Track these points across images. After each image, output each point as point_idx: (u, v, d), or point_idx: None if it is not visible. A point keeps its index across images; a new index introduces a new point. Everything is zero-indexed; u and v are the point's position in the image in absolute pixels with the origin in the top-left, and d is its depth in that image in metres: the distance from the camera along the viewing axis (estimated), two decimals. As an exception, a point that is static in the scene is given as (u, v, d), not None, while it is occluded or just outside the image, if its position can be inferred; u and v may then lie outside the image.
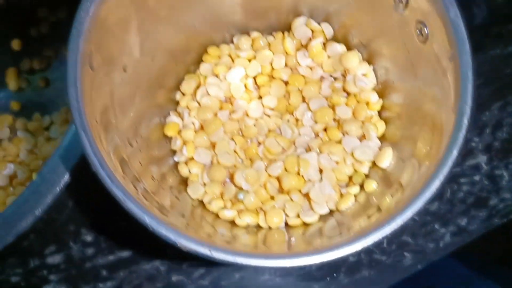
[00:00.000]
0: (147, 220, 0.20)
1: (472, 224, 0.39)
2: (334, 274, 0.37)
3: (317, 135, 0.33)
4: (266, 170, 0.32)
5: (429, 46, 0.25)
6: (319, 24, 0.33)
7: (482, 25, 0.30)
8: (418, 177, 0.23)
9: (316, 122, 0.33)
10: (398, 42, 0.28)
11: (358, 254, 0.38)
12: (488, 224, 0.39)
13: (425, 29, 0.25)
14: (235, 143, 0.33)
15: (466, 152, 0.39)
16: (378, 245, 0.37)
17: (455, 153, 0.21)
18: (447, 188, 0.38)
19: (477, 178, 0.39)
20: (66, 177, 0.26)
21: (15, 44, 0.46)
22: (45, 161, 0.43)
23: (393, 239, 0.38)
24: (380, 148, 0.30)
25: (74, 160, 0.27)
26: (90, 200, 0.37)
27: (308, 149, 0.33)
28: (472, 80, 0.21)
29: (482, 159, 0.39)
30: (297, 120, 0.34)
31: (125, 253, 0.38)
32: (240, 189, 0.31)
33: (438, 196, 0.38)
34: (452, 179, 0.38)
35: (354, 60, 0.31)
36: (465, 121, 0.21)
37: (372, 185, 0.29)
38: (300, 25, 0.33)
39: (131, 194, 0.21)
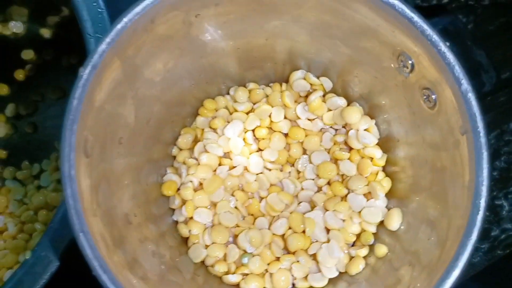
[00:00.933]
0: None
1: (475, 257, 0.38)
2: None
3: (320, 189, 0.32)
4: (269, 229, 0.31)
5: (438, 113, 0.24)
6: (317, 77, 0.32)
7: (491, 91, 0.30)
8: (435, 252, 0.22)
9: (319, 177, 0.32)
10: (403, 103, 0.27)
11: None
12: (490, 256, 0.39)
13: (432, 96, 0.24)
14: (236, 199, 0.32)
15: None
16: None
17: (475, 236, 0.20)
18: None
19: (477, 210, 0.38)
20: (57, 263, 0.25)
21: (2, 90, 0.45)
22: (36, 212, 0.42)
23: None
24: (388, 208, 0.30)
25: (68, 239, 0.26)
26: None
27: (312, 204, 0.32)
28: (488, 159, 0.21)
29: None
30: (298, 172, 0.33)
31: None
32: (244, 251, 0.30)
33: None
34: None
35: (356, 115, 0.30)
36: (483, 204, 0.20)
37: (383, 250, 0.28)
38: (298, 79, 0.32)
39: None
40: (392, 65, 0.26)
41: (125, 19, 0.22)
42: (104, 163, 0.24)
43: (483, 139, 0.21)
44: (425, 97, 0.25)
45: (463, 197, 0.22)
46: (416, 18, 0.22)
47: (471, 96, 0.21)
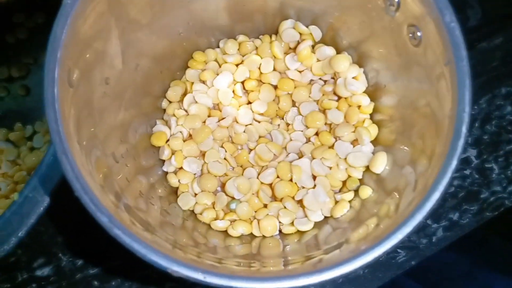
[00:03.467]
0: (135, 247, 0.19)
1: (464, 218, 0.39)
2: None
3: (308, 140, 0.32)
4: (258, 178, 0.31)
5: (423, 50, 0.24)
6: (307, 27, 0.32)
7: (476, 26, 0.30)
8: (417, 186, 0.23)
9: (307, 127, 0.32)
10: (390, 45, 0.27)
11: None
12: (479, 217, 0.39)
13: (418, 32, 0.24)
14: (225, 150, 0.32)
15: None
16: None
17: (454, 163, 0.20)
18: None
19: (467, 172, 0.39)
20: (47, 200, 0.25)
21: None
22: (29, 173, 0.42)
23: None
24: (374, 153, 0.30)
25: (58, 177, 0.26)
26: (77, 212, 0.36)
27: (300, 155, 0.32)
28: (470, 86, 0.21)
29: (471, 153, 0.39)
30: (288, 124, 0.33)
31: (116, 262, 0.37)
32: (232, 198, 0.31)
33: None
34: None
35: (344, 63, 0.30)
36: (464, 130, 0.20)
37: (367, 192, 0.28)
38: (287, 28, 0.32)
39: (118, 220, 0.19)
40: (379, 4, 0.26)
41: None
42: (90, 99, 0.24)
43: (465, 67, 0.21)
44: (410, 35, 0.25)
45: (444, 127, 0.22)
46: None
47: (455, 26, 0.21)
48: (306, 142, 0.32)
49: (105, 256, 0.37)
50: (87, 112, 0.23)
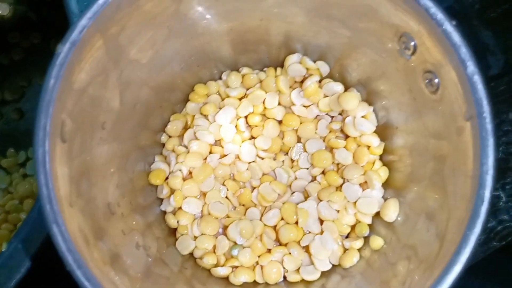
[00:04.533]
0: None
1: (471, 249, 0.37)
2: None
3: (314, 179, 0.31)
4: (261, 219, 0.30)
5: (440, 98, 0.23)
6: (314, 62, 0.30)
7: (498, 75, 0.28)
8: (434, 247, 0.21)
9: (313, 166, 0.30)
10: (403, 88, 0.25)
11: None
12: (486, 247, 0.37)
13: (435, 79, 0.22)
14: (227, 189, 0.31)
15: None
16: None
17: (478, 230, 0.19)
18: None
19: (473, 200, 0.37)
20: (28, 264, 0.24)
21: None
22: (21, 201, 0.41)
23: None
24: (384, 198, 0.28)
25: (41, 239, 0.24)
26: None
27: (306, 194, 0.30)
28: (494, 146, 0.19)
29: (479, 180, 0.38)
30: (292, 161, 0.32)
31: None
32: (234, 243, 0.29)
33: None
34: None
35: (353, 101, 0.29)
36: (488, 195, 0.19)
37: (378, 243, 0.27)
38: (293, 63, 0.30)
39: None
40: (393, 46, 0.24)
41: (107, -7, 0.21)
42: (85, 149, 0.22)
43: (489, 125, 0.19)
44: (427, 81, 0.23)
45: (466, 188, 0.20)
46: (419, -5, 0.20)
47: (477, 79, 0.20)
48: (312, 181, 0.31)
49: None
50: (82, 167, 0.22)
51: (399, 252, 0.24)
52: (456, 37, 0.20)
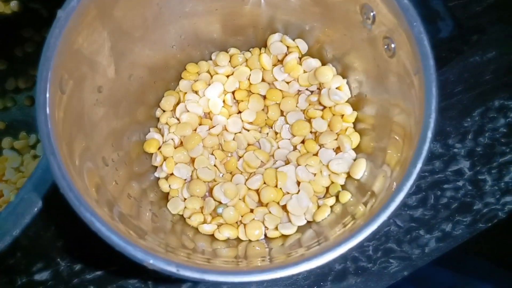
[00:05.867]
0: (115, 239, 0.21)
1: (456, 230, 0.39)
2: (321, 283, 0.38)
3: (295, 148, 0.33)
4: (245, 184, 0.32)
5: (397, 61, 0.25)
6: (293, 40, 0.33)
7: (448, 38, 0.31)
8: (389, 185, 0.24)
9: (293, 135, 0.33)
10: (369, 57, 0.28)
11: (344, 261, 0.38)
12: (472, 229, 0.39)
13: (392, 44, 0.25)
14: (215, 157, 0.34)
15: (449, 158, 0.39)
16: (363, 252, 0.38)
17: (419, 165, 0.21)
18: (430, 194, 0.39)
19: (460, 183, 0.39)
20: (40, 203, 0.27)
21: (0, 64, 0.47)
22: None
23: (378, 246, 0.38)
24: (355, 159, 0.31)
25: (51, 181, 0.27)
26: (76, 217, 0.37)
27: (287, 162, 0.33)
28: (436, 94, 0.22)
29: (465, 164, 0.39)
30: (276, 133, 0.34)
31: (113, 268, 0.38)
32: (220, 203, 0.32)
33: (422, 202, 0.39)
34: (435, 185, 0.39)
35: (328, 74, 0.32)
36: (429, 135, 0.21)
37: (347, 197, 0.29)
38: (275, 41, 0.33)
39: (99, 215, 0.21)
40: (357, 19, 0.27)
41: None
42: (83, 105, 0.26)
43: (433, 76, 0.22)
44: (386, 46, 0.26)
45: (414, 133, 0.23)
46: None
47: (423, 37, 0.22)
48: (293, 150, 0.33)
49: (103, 262, 0.38)
50: (79, 118, 0.25)
51: (360, 199, 0.27)
52: (405, 1, 0.23)
